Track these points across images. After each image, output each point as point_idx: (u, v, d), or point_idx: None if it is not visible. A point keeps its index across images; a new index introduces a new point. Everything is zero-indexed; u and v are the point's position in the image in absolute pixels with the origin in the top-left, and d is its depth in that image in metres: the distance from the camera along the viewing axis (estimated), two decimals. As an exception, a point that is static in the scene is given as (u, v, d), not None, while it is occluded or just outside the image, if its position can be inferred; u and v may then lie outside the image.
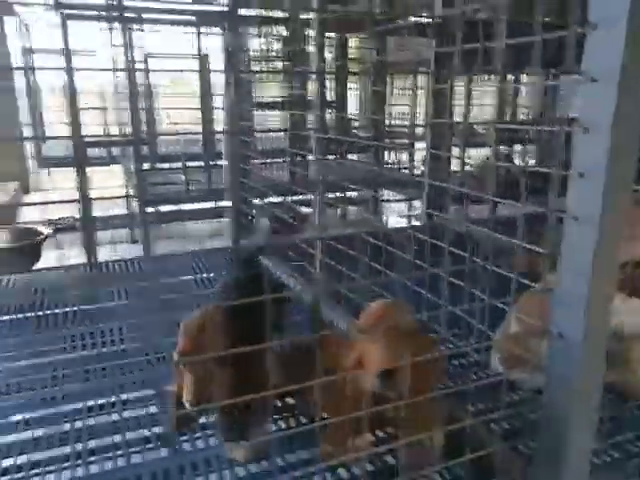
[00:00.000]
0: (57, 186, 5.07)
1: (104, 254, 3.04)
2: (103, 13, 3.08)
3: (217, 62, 4.63)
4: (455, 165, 3.49)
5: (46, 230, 2.71)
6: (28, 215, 4.51)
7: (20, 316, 2.35)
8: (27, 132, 5.69)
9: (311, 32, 4.11)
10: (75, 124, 2.81)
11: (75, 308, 2.41)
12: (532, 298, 1.48)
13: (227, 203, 3.68)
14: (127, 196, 4.03)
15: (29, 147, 5.65)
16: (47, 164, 5.38)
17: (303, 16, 3.62)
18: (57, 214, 3.48)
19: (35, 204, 4.36)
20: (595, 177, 0.90)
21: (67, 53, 2.69)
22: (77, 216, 2.84)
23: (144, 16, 3.64)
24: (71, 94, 2.61)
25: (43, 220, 2.73)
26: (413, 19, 3.84)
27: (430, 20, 2.88)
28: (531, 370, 1.46)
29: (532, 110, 6.40)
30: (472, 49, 1.37)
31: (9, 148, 5.32)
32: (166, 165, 4.54)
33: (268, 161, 3.40)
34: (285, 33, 3.93)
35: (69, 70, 2.51)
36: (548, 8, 3.71)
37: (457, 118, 4.20)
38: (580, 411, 1.00)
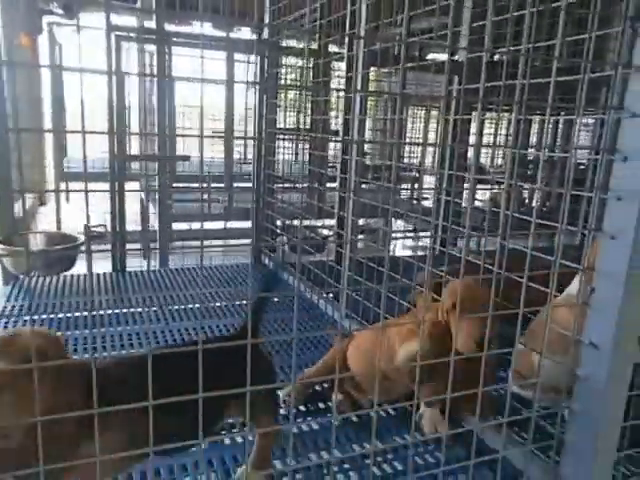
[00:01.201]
0: (72, 198, 5.20)
1: (130, 264, 3.15)
2: (147, 36, 3.23)
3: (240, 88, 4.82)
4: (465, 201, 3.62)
5: (82, 237, 2.82)
6: (45, 225, 4.64)
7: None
8: (50, 144, 5.85)
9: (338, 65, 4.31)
10: (119, 142, 2.93)
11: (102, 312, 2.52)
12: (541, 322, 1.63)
13: (247, 223, 3.80)
14: (142, 215, 4.15)
15: (50, 160, 5.79)
16: (67, 177, 5.51)
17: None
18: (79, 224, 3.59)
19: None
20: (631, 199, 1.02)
21: (118, 73, 2.81)
22: (108, 226, 2.95)
23: (182, 40, 3.81)
24: (118, 113, 2.74)
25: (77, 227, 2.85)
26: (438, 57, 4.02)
27: (453, 58, 3.04)
28: (532, 388, 1.57)
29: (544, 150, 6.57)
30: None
31: (33, 159, 5.46)
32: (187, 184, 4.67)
33: (291, 185, 3.53)
34: (310, 65, 4.10)
35: (120, 87, 2.64)
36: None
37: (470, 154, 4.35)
38: (608, 410, 1.10)
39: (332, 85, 4.35)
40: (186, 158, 3.25)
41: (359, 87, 2.52)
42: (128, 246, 3.25)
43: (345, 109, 2.84)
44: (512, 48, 1.98)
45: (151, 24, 3.99)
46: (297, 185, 3.71)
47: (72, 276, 2.94)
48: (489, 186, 5.42)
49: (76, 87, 6.35)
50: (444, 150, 3.46)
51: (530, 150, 6.64)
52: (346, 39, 2.83)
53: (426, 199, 5.50)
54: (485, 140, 5.99)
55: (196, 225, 4.14)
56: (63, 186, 5.74)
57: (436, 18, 2.07)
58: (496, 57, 3.43)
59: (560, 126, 5.62)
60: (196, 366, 0.97)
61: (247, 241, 3.69)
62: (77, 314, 2.49)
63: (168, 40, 3.12)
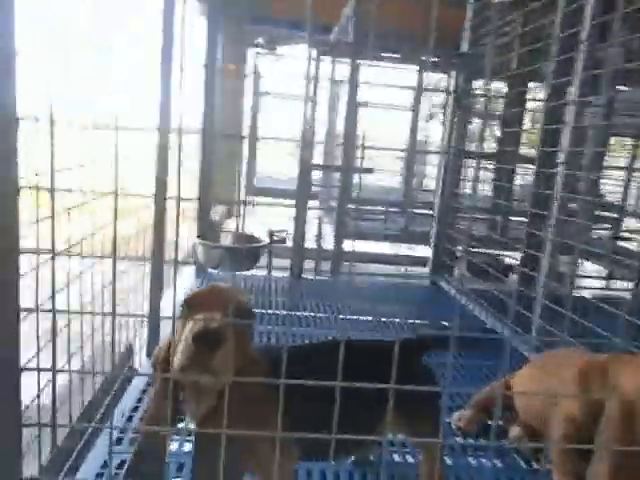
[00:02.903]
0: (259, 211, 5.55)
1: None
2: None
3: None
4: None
5: (266, 238, 2.96)
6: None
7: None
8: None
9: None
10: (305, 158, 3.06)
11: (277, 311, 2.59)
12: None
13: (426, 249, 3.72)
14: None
15: (242, 176, 6.29)
16: (255, 193, 5.93)
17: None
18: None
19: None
20: None
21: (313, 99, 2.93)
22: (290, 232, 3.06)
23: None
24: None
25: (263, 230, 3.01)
26: None
27: None
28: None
29: None
30: None
31: (226, 176, 5.96)
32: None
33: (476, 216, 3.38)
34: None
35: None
36: None
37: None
38: None
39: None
40: (370, 170, 3.27)
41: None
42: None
43: (544, 137, 2.64)
44: None
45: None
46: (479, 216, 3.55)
47: (253, 275, 3.10)
48: None
49: (271, 111, 6.88)
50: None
51: None
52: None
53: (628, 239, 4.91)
54: None
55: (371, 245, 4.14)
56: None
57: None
58: None
59: None
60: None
61: (425, 270, 3.58)
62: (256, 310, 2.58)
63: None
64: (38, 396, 1.20)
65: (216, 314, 0.90)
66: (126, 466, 1.03)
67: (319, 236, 4.18)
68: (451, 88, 3.22)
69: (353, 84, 3.53)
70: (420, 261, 3.99)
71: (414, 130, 4.70)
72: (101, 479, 1.29)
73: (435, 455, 1.26)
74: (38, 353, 1.15)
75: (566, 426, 1.27)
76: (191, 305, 0.96)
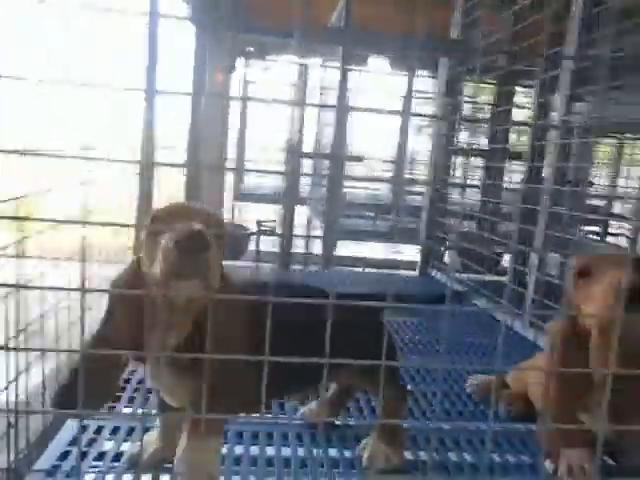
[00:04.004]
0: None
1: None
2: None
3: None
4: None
5: (253, 228, 2.90)
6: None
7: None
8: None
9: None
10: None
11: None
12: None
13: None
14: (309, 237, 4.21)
15: (229, 180, 6.21)
16: (244, 199, 5.85)
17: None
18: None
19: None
20: None
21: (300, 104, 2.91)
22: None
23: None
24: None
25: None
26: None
27: None
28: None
29: None
30: None
31: (212, 180, 5.89)
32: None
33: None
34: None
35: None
36: None
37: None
38: None
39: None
40: (359, 159, 3.24)
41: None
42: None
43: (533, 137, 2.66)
44: None
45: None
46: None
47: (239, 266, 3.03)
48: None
49: (259, 121, 6.86)
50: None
51: None
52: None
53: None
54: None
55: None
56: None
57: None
58: None
59: None
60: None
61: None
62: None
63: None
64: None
65: (194, 224, 0.84)
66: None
67: (307, 239, 4.14)
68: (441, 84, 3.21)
69: (343, 84, 3.52)
70: (410, 266, 3.96)
71: (404, 136, 4.70)
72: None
73: (391, 411, 1.22)
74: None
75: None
76: (161, 219, 0.89)
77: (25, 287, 0.75)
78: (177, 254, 0.79)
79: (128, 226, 0.93)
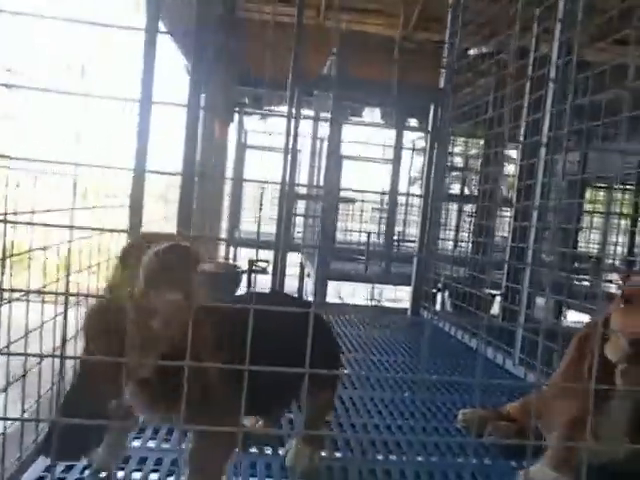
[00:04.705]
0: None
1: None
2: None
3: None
4: None
5: (245, 267, 2.93)
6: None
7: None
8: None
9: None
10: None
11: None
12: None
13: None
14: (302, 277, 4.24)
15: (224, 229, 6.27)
16: (238, 244, 5.89)
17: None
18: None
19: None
20: None
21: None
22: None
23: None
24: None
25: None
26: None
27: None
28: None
29: None
30: None
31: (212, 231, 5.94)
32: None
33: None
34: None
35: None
36: None
37: None
38: None
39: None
40: (351, 200, 3.31)
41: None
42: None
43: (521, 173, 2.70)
44: None
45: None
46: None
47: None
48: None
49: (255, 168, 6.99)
50: None
51: None
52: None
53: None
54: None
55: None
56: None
57: None
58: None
59: None
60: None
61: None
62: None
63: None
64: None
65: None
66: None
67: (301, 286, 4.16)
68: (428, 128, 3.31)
69: (335, 130, 3.63)
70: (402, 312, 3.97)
71: (394, 183, 4.80)
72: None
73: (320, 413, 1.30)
74: None
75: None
76: (139, 245, 0.88)
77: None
78: (159, 264, 0.81)
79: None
